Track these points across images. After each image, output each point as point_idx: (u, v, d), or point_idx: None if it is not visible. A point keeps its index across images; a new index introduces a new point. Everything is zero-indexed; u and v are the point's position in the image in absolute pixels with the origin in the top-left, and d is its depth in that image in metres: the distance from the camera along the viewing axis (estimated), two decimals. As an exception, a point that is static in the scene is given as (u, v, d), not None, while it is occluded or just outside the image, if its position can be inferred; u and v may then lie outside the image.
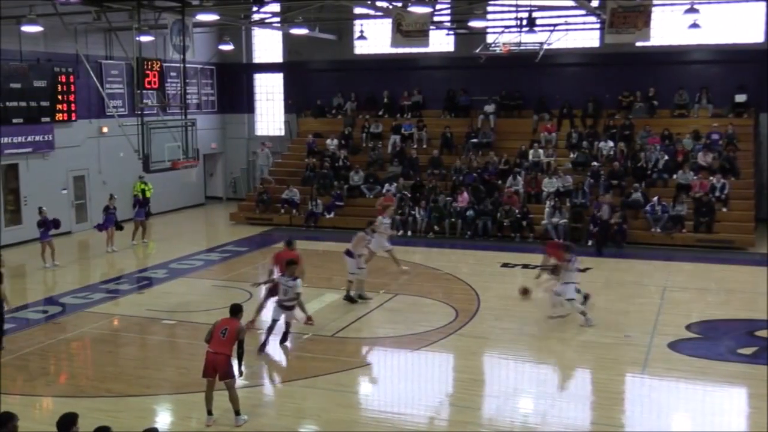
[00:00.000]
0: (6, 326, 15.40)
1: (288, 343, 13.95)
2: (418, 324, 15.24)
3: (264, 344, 13.65)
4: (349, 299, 16.66)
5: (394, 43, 21.23)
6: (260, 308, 14.80)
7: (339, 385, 12.21)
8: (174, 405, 11.74)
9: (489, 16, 25.62)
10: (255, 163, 31.61)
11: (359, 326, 15.29)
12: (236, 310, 10.99)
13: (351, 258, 16.64)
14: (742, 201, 23.82)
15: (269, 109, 33.27)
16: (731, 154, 24.80)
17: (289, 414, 11.27)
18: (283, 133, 32.78)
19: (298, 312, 13.74)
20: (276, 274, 14.23)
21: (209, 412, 10.67)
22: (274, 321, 13.69)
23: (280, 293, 13.58)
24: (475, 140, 27.93)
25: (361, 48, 30.63)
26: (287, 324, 13.79)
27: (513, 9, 23.08)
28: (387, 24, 24.39)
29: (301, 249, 22.34)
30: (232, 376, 10.66)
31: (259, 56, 32.94)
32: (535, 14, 22.47)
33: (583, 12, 23.26)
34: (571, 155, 26.49)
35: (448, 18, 26.09)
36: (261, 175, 30.07)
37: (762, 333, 14.51)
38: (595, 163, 25.49)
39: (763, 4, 25.20)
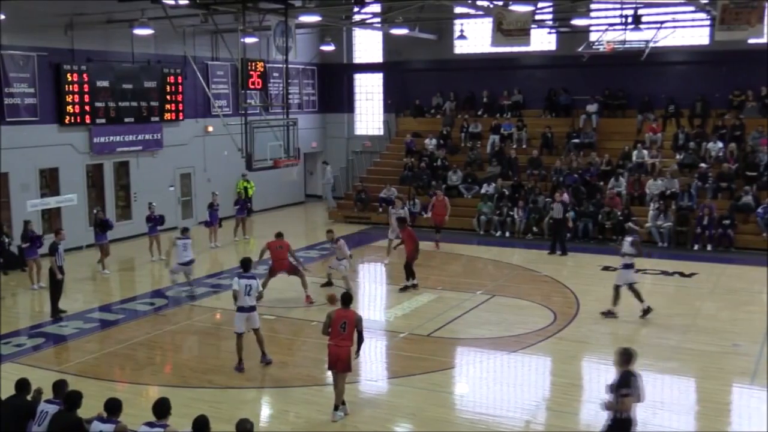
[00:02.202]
0: (116, 317, 16.16)
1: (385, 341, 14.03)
2: (515, 326, 15.07)
3: None
4: None
5: (495, 43, 21.01)
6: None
7: (434, 385, 12.20)
8: (273, 398, 11.99)
9: (592, 14, 25.07)
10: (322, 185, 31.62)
11: (455, 327, 15.23)
12: (348, 299, 11.11)
13: None
14: None
15: (369, 108, 33.55)
16: None
17: (385, 411, 11.33)
18: (382, 132, 33.00)
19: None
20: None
21: (336, 407, 10.83)
22: None
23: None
24: (576, 140, 27.41)
25: (460, 47, 30.51)
26: None
27: (618, 6, 22.51)
28: (487, 23, 24.20)
29: (399, 248, 22.54)
30: (350, 370, 10.93)
31: (360, 56, 33.26)
32: (641, 11, 21.85)
33: (691, 8, 22.47)
34: (678, 156, 25.64)
35: (550, 16, 25.68)
36: (324, 196, 29.79)
37: None
38: (703, 165, 24.59)
39: None
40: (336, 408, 10.82)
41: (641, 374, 8.67)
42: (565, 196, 23.96)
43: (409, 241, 17.91)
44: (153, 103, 24.78)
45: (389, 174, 28.93)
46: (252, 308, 12.76)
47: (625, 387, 8.38)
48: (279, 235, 17.35)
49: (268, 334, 15.01)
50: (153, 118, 24.91)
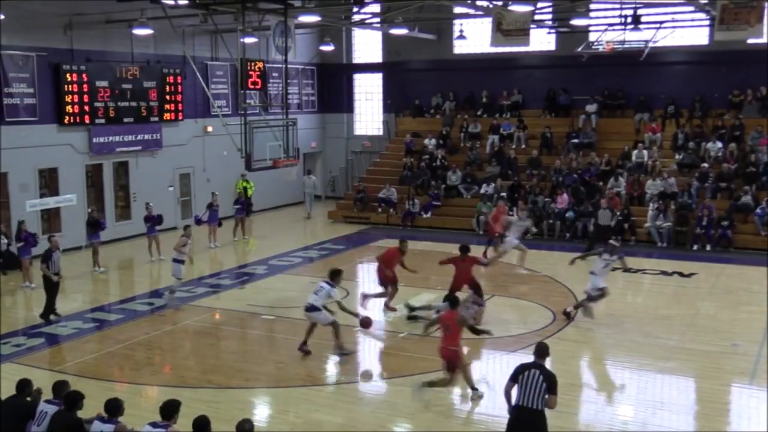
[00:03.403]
0: (115, 317, 16.16)
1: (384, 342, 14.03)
2: (515, 326, 15.07)
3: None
4: None
5: (494, 43, 21.02)
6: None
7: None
8: (272, 398, 11.99)
9: (592, 14, 25.08)
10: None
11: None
12: (455, 302, 12.02)
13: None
14: None
15: (368, 108, 33.55)
16: None
17: (384, 411, 11.32)
18: (381, 132, 33.00)
19: None
20: None
21: (473, 388, 11.48)
22: None
23: None
24: (575, 140, 27.42)
25: (460, 47, 30.52)
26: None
27: (617, 6, 22.52)
28: (487, 23, 24.19)
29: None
30: (456, 368, 11.28)
31: (359, 56, 33.26)
32: (640, 11, 21.86)
33: (691, 8, 22.48)
34: (677, 156, 25.65)
35: (549, 16, 25.69)
36: (308, 202, 29.61)
37: None
38: (704, 165, 24.58)
39: None
40: (474, 388, 11.50)
41: (545, 370, 8.83)
42: (565, 196, 23.99)
43: (465, 273, 15.66)
44: (152, 103, 24.78)
45: (389, 174, 28.93)
46: (310, 308, 13.34)
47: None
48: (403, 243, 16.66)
49: (268, 334, 15.08)
50: (152, 118, 24.89)
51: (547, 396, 8.54)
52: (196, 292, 17.99)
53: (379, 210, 27.34)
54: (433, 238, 23.78)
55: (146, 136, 24.83)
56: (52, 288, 16.09)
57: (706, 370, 12.75)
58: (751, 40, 20.89)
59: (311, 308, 13.29)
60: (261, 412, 11.45)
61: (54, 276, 16.06)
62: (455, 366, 11.25)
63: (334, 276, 13.60)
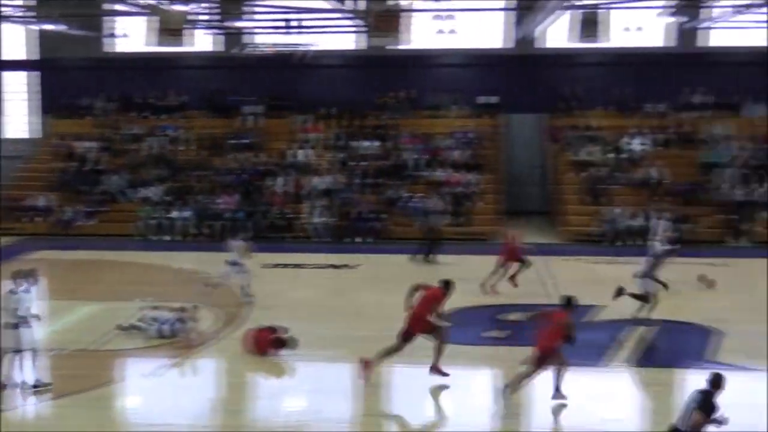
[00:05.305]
0: None
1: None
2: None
3: None
4: None
5: (151, 42, 20.52)
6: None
7: (101, 400, 11.71)
8: None
9: (252, 17, 25.48)
10: None
11: (117, 339, 14.41)
12: (570, 302, 11.21)
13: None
14: (490, 196, 25.77)
15: (17, 109, 30.95)
16: (479, 152, 26.67)
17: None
18: (30, 135, 30.59)
19: None
20: None
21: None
22: None
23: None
24: (238, 141, 27.73)
25: (119, 46, 29.41)
26: None
27: (274, 10, 23.07)
28: (145, 22, 23.47)
29: (57, 259, 20.94)
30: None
31: (6, 52, 30.42)
32: (294, 16, 22.64)
33: (347, 14, 23.69)
34: (334, 155, 27.12)
35: (208, 17, 25.60)
36: None
37: (506, 317, 15.52)
38: (355, 162, 26.29)
39: (511, 12, 27.12)
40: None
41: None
42: (232, 196, 24.15)
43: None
44: None
45: (39, 180, 26.96)
46: None
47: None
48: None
49: None
50: None
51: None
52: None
53: (29, 219, 25.23)
54: (92, 246, 22.51)
55: None
56: None
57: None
58: (400, 46, 22.77)
59: None
60: None
61: None
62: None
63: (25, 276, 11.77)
